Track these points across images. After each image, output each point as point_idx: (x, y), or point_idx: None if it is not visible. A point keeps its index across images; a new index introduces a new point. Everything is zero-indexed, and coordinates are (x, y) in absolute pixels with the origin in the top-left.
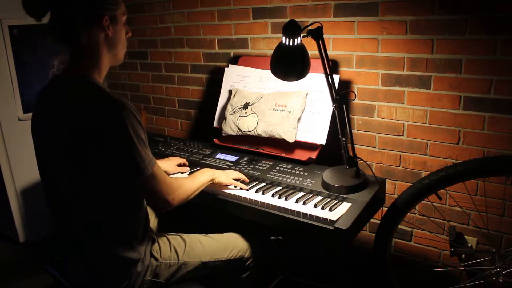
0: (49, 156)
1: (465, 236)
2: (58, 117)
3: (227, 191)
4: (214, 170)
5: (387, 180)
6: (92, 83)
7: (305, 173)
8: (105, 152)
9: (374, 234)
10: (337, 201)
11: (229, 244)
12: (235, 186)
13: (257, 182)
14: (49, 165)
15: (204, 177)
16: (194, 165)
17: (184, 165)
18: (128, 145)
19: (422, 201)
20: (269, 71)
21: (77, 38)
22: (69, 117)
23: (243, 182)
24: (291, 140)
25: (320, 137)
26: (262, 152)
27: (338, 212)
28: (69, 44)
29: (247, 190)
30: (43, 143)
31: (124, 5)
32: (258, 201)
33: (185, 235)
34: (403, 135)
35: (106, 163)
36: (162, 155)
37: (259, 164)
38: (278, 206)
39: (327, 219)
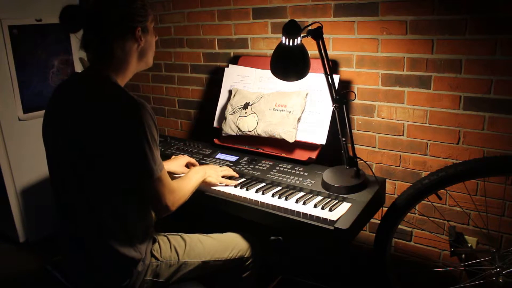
0: (60, 154)
1: (465, 236)
2: (75, 115)
3: (227, 191)
4: (205, 168)
5: (387, 180)
6: (113, 83)
7: (305, 173)
8: (118, 150)
9: (374, 234)
10: (337, 201)
11: (229, 244)
12: (226, 185)
13: (257, 182)
14: (59, 164)
15: (197, 177)
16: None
17: (193, 165)
18: (142, 145)
19: (422, 201)
20: (269, 71)
21: (111, 51)
22: (86, 115)
23: (231, 177)
24: (291, 140)
25: (320, 137)
26: (262, 152)
27: (338, 212)
28: (104, 57)
29: (235, 186)
30: (56, 141)
31: (152, 12)
32: (258, 201)
33: (185, 235)
34: (403, 135)
35: (118, 162)
36: (163, 155)
37: (259, 164)
38: (278, 206)
39: (327, 219)
